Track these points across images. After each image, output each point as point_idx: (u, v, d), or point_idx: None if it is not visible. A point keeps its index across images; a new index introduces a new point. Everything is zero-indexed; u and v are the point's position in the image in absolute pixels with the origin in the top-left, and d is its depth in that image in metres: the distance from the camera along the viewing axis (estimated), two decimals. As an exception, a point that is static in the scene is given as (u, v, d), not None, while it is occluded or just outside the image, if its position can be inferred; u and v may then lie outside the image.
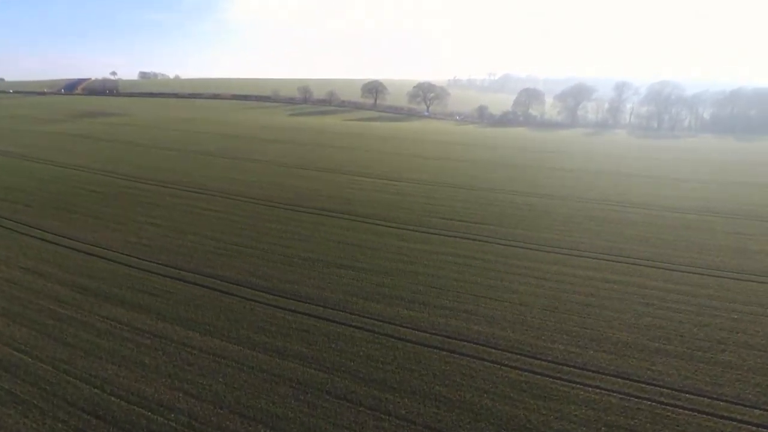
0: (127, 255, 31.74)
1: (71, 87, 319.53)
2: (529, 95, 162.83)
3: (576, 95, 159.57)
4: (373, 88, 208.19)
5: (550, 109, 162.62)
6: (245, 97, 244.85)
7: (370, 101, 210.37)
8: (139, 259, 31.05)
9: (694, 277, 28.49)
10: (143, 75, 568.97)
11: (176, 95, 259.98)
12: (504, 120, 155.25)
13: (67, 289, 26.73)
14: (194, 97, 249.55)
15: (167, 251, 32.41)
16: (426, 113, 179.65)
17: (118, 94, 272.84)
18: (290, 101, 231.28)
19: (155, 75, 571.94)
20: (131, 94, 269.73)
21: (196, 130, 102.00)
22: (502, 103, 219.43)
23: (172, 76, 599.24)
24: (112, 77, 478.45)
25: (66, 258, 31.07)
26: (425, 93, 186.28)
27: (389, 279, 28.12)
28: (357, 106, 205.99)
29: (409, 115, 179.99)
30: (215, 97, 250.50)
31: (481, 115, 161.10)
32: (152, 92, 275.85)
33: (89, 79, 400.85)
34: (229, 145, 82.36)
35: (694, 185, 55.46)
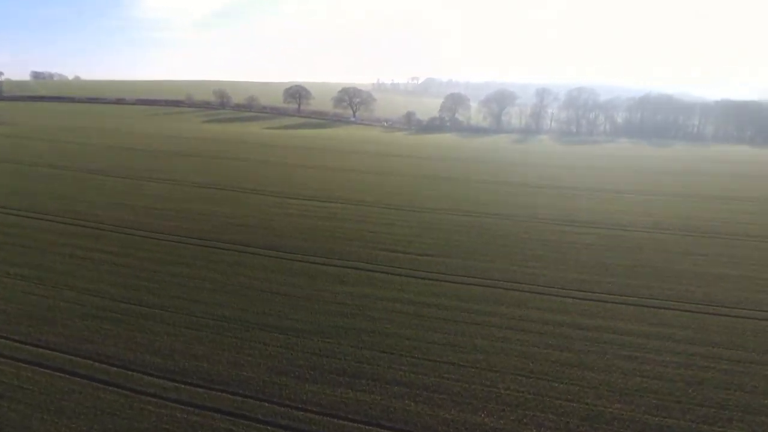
0: (-31, 328, 23.51)
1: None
2: (455, 100, 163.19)
3: (500, 101, 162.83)
4: (296, 93, 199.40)
5: (475, 114, 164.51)
6: (154, 102, 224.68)
7: (293, 106, 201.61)
8: (-13, 333, 23.02)
9: (667, 314, 25.78)
10: (36, 75, 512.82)
11: (73, 99, 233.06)
12: (432, 126, 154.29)
13: None
14: (94, 102, 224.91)
15: (29, 318, 24.51)
16: (353, 119, 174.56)
17: (1, 98, 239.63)
18: (206, 106, 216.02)
19: (51, 75, 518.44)
20: (18, 98, 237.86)
21: (90, 142, 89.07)
22: (428, 108, 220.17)
23: (71, 77, 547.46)
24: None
25: None
26: (351, 98, 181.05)
27: (327, 343, 22.61)
28: (279, 112, 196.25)
29: (335, 120, 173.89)
30: (119, 101, 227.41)
31: (409, 121, 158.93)
32: (45, 96, 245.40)
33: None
34: (130, 160, 71.99)
35: (633, 197, 55.08)
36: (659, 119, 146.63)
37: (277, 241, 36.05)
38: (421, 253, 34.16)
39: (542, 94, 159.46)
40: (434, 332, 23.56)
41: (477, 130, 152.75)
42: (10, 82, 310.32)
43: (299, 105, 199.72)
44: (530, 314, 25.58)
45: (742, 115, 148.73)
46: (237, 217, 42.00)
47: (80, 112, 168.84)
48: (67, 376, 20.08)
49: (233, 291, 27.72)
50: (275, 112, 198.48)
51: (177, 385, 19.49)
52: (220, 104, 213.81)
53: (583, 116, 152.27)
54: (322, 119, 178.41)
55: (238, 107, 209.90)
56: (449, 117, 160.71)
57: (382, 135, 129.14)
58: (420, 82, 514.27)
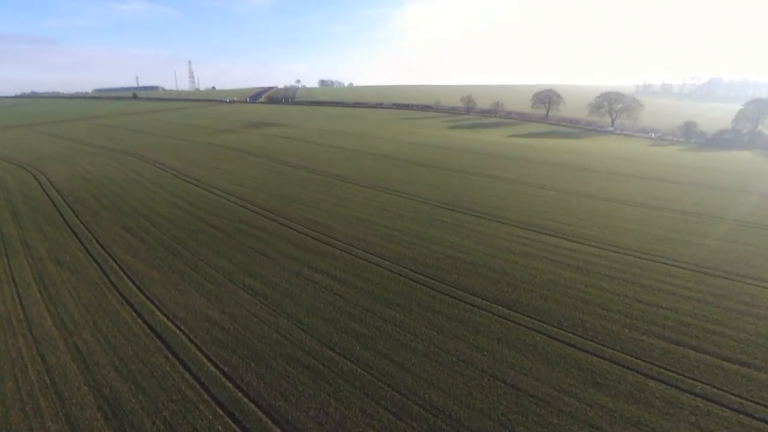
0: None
1: (256, 96, 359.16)
2: (760, 107, 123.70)
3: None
4: (546, 98, 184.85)
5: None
6: (407, 107, 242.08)
7: (540, 112, 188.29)
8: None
9: None
10: (323, 83, 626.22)
11: (343, 104, 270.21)
12: (720, 140, 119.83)
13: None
14: (359, 106, 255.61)
15: (244, 348, 23.53)
16: (610, 128, 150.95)
17: (293, 103, 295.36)
18: (452, 111, 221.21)
19: (332, 83, 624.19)
20: (305, 103, 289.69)
21: (342, 146, 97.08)
22: (713, 116, 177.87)
23: (346, 83, 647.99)
24: (297, 85, 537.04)
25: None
26: (611, 104, 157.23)
27: None
28: (524, 118, 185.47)
29: (588, 129, 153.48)
30: (377, 106, 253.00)
31: (688, 133, 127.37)
32: (324, 101, 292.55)
33: (275, 87, 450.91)
34: (371, 168, 74.49)
35: None
36: None
37: (508, 293, 28.86)
38: (728, 357, 22.15)
39: None
40: None
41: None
42: (302, 90, 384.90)
43: (548, 111, 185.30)
44: None
45: None
46: (464, 249, 36.30)
47: (345, 116, 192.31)
48: (251, 444, 17.40)
49: (448, 363, 21.90)
50: (520, 118, 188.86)
51: None
52: (466, 110, 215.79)
53: None
54: (573, 127, 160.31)
55: (483, 112, 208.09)
56: (748, 129, 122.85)
57: (649, 150, 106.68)
58: (702, 82, 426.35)
